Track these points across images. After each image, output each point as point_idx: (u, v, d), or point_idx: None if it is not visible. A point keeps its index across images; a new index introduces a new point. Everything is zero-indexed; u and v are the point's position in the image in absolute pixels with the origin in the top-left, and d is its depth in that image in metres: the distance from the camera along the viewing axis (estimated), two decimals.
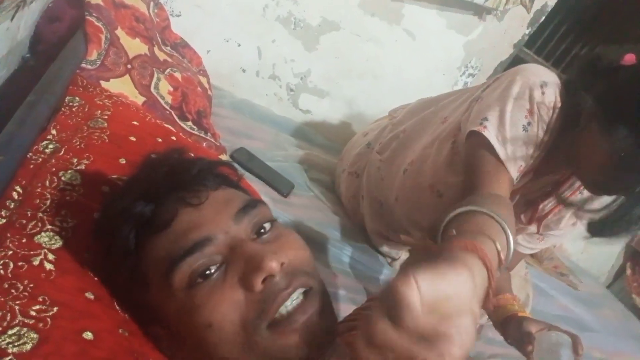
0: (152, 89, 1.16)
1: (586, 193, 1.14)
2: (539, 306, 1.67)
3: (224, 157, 1.26)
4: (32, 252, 0.54)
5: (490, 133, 0.99)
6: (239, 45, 1.68)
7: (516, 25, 1.85)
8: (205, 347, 0.51)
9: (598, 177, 0.98)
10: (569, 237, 1.21)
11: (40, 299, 0.49)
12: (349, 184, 1.48)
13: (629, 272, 2.77)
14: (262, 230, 0.56)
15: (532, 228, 1.22)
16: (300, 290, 0.52)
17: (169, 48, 1.40)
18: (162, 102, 1.17)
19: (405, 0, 1.70)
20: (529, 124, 1.00)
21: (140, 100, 1.10)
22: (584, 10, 2.44)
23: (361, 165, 1.44)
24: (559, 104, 1.00)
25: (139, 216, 0.55)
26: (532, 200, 1.18)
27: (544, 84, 1.00)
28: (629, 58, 0.99)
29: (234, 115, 1.61)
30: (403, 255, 1.46)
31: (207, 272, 0.51)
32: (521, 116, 1.00)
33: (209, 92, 1.46)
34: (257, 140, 1.56)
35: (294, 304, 0.51)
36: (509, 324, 1.08)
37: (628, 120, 0.89)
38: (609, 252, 2.89)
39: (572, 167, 1.05)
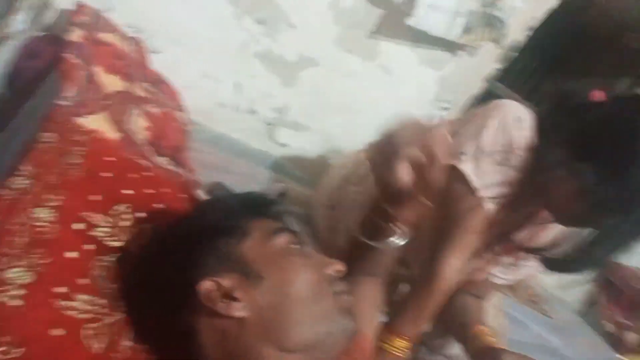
0: (128, 125, 1.17)
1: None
2: (513, 335, 1.69)
3: (200, 192, 1.26)
4: (1, 288, 0.54)
5: (467, 166, 1.03)
6: (218, 80, 1.71)
7: (487, 61, 1.92)
8: (283, 288, 0.62)
9: (567, 211, 1.02)
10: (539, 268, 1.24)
11: (7, 338, 0.49)
12: (324, 217, 1.49)
13: (601, 299, 2.81)
14: None
15: (508, 259, 1.24)
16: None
17: (147, 84, 1.41)
18: (138, 138, 1.18)
19: (380, 37, 1.75)
20: (504, 158, 1.03)
21: (116, 136, 1.10)
22: (553, 46, 2.54)
23: (337, 199, 1.45)
24: (532, 140, 1.04)
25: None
26: (507, 232, 1.21)
27: (518, 120, 1.05)
28: (598, 95, 1.04)
29: (211, 150, 1.62)
30: None
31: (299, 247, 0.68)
32: (498, 149, 1.03)
33: (186, 128, 1.47)
34: (233, 175, 1.57)
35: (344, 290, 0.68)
36: (485, 357, 1.09)
37: (596, 158, 0.94)
38: (582, 279, 2.94)
39: (544, 200, 1.08)
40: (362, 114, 1.89)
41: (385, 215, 0.85)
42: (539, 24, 1.91)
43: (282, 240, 0.67)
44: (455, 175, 1.04)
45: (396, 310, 1.14)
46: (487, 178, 1.04)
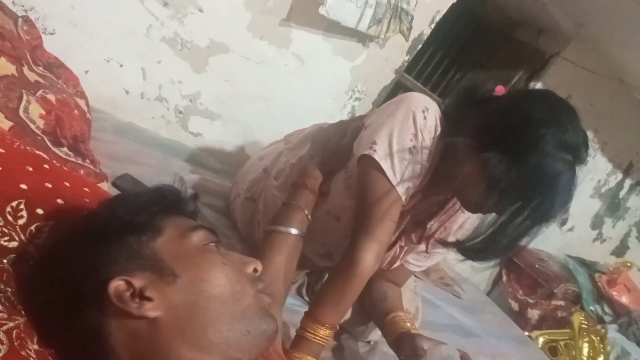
0: (21, 113, 1.06)
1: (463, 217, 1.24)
2: (427, 317, 1.75)
3: (105, 185, 1.17)
4: None
5: (379, 156, 1.05)
6: (121, 65, 1.60)
7: (396, 53, 1.98)
8: (199, 286, 0.60)
9: (474, 198, 1.06)
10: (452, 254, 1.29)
11: None
12: (244, 209, 1.45)
13: (505, 278, 3.04)
14: None
15: (421, 247, 1.29)
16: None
17: (41, 68, 1.29)
18: (32, 126, 1.07)
19: (293, 25, 1.74)
20: (414, 146, 1.06)
21: (6, 125, 1.00)
22: (456, 39, 2.69)
23: (257, 191, 1.42)
24: (439, 129, 1.08)
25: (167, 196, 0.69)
26: (420, 220, 1.25)
27: (425, 110, 1.08)
28: (499, 89, 1.11)
29: (116, 140, 1.51)
30: (301, 279, 1.46)
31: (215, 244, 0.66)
32: (407, 139, 1.06)
33: (88, 115, 1.36)
34: (143, 166, 1.47)
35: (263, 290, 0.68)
36: (402, 341, 1.12)
37: (499, 147, 0.99)
38: (490, 264, 3.14)
39: (453, 188, 1.13)
40: (276, 103, 1.86)
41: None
42: (443, 18, 2.00)
43: (197, 237, 0.64)
44: (369, 164, 1.07)
45: (317, 299, 1.14)
46: (398, 167, 1.06)
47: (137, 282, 0.58)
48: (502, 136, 1.00)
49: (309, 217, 1.11)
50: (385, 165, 1.05)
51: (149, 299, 0.57)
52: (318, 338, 1.05)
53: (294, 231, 1.06)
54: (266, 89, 1.82)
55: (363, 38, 1.87)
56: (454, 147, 1.06)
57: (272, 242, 1.05)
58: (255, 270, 0.68)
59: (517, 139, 0.98)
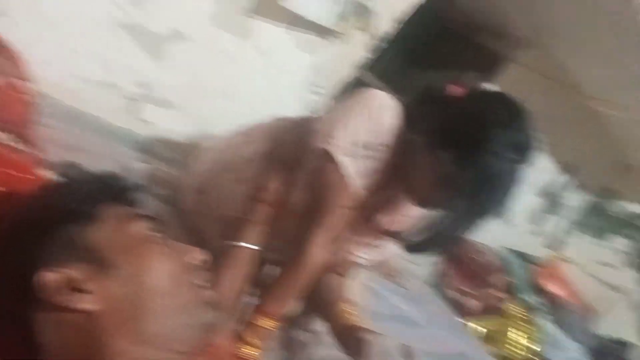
0: None
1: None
2: (373, 307, 1.81)
3: (49, 173, 1.13)
4: None
5: (335, 150, 1.06)
6: (74, 50, 1.52)
7: (359, 50, 1.97)
8: (139, 277, 0.59)
9: (426, 194, 1.10)
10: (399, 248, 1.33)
11: None
12: (194, 201, 1.43)
13: (446, 270, 3.16)
14: None
15: (371, 241, 1.32)
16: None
17: None
18: None
19: (256, 17, 1.70)
20: (370, 142, 1.08)
21: None
22: (418, 39, 2.71)
23: (209, 183, 1.40)
24: (396, 126, 1.10)
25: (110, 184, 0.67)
26: (371, 214, 1.28)
27: (384, 107, 1.10)
28: (457, 90, 1.13)
29: (65, 127, 1.45)
30: None
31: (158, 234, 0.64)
32: (365, 134, 1.08)
33: (32, 99, 1.29)
34: (91, 154, 1.42)
35: (205, 283, 0.66)
36: (345, 334, 1.15)
37: (454, 146, 1.02)
38: (434, 257, 3.25)
39: (405, 183, 1.16)
40: (235, 95, 1.83)
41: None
42: (407, 17, 2.00)
43: (138, 226, 0.63)
44: (325, 158, 1.08)
45: (265, 290, 1.15)
46: (355, 162, 1.08)
47: (73, 274, 0.56)
48: (457, 136, 1.03)
49: (265, 230, 1.11)
50: (341, 159, 1.06)
51: (87, 292, 0.56)
52: (262, 328, 1.07)
53: (248, 245, 1.06)
54: (225, 80, 1.77)
55: (327, 33, 1.85)
56: (410, 143, 1.08)
57: (226, 256, 1.04)
58: (199, 260, 0.66)
59: (470, 138, 1.01)
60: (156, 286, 0.59)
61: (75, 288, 0.56)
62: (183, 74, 1.70)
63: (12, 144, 1.07)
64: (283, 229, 1.23)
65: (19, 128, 1.11)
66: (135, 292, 0.58)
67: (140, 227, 0.63)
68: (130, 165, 1.53)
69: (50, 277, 0.55)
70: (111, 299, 0.56)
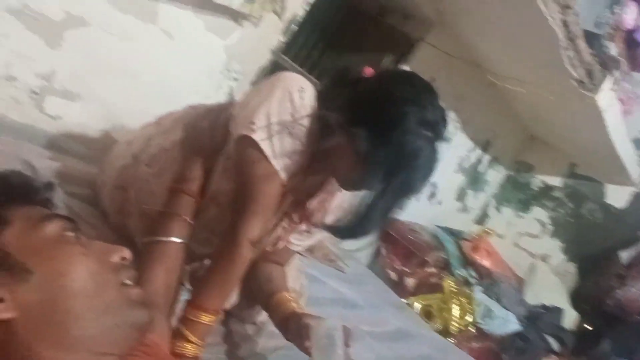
0: None
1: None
2: (313, 293, 1.79)
3: None
4: None
5: (258, 135, 1.05)
6: None
7: (271, 32, 1.97)
8: (57, 281, 0.55)
9: (346, 176, 1.10)
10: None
11: None
12: (113, 198, 1.34)
13: (383, 251, 3.22)
14: None
15: (303, 226, 1.30)
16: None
17: None
18: None
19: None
20: (292, 125, 1.07)
21: None
22: (330, 22, 2.75)
23: (127, 179, 1.32)
24: (315, 109, 1.10)
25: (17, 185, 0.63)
26: (301, 200, 1.27)
27: (301, 89, 1.10)
28: (368, 71, 1.15)
29: None
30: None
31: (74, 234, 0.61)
32: (285, 118, 1.07)
33: None
34: None
35: (132, 281, 0.64)
36: (288, 322, 1.13)
37: (366, 124, 1.03)
38: (370, 241, 3.30)
39: (328, 167, 1.15)
40: (144, 82, 1.75)
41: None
42: (316, 0, 2.02)
43: (52, 227, 0.60)
44: (247, 144, 1.06)
45: (199, 285, 1.10)
46: (277, 146, 1.07)
47: None
48: (367, 114, 1.04)
49: (190, 222, 1.06)
50: (264, 144, 1.05)
51: (0, 300, 0.52)
52: (201, 325, 1.03)
53: (174, 239, 1.00)
54: (132, 66, 1.69)
55: (236, 16, 1.82)
56: (326, 124, 1.08)
57: (152, 253, 0.99)
58: (122, 258, 0.64)
59: (381, 117, 1.03)
60: (75, 288, 0.56)
61: None
62: (84, 61, 1.59)
63: None
64: (210, 220, 1.19)
65: None
66: (53, 296, 0.55)
67: (54, 228, 0.60)
68: (40, 163, 1.41)
69: None
70: (27, 305, 0.53)
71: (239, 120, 1.11)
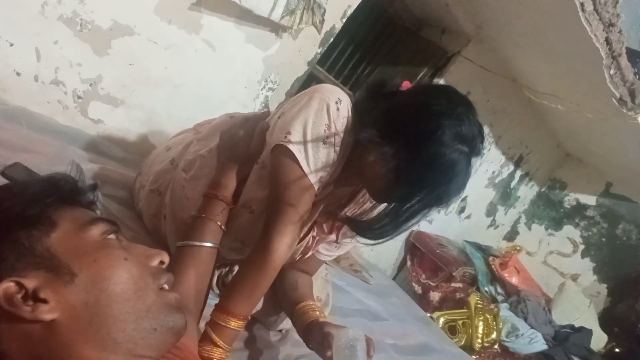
0: None
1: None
2: (338, 303, 1.80)
3: None
4: None
5: (293, 146, 1.05)
6: (11, 45, 1.45)
7: (309, 44, 1.99)
8: (99, 284, 0.57)
9: (379, 187, 1.11)
10: (359, 243, 1.34)
11: None
12: (150, 201, 1.38)
13: (409, 263, 3.20)
14: None
15: (332, 237, 1.31)
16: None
17: None
18: None
19: (203, 10, 1.68)
20: (327, 137, 1.08)
21: None
22: (367, 35, 2.76)
23: (164, 183, 1.35)
24: (351, 121, 1.11)
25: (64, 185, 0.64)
26: (332, 211, 1.28)
27: (338, 101, 1.10)
28: (405, 84, 1.15)
29: (6, 126, 1.38)
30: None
31: (117, 239, 0.63)
32: (321, 130, 1.07)
33: None
34: (36, 154, 1.35)
35: (168, 285, 0.65)
36: (311, 330, 1.14)
37: (402, 137, 1.03)
38: (393, 247, 3.29)
39: (361, 178, 1.16)
40: (185, 90, 1.79)
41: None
42: (354, 12, 2.04)
43: (96, 231, 0.61)
44: (283, 153, 1.07)
45: (228, 290, 1.12)
46: (312, 157, 1.08)
47: (30, 283, 0.53)
48: (403, 127, 1.04)
49: (223, 227, 1.08)
50: (299, 155, 1.06)
51: (44, 301, 0.53)
52: (229, 330, 1.04)
53: (207, 244, 1.02)
54: (174, 75, 1.74)
55: (276, 28, 1.85)
56: (361, 137, 1.09)
57: (185, 257, 1.01)
58: (161, 262, 0.65)
59: (416, 130, 1.03)
60: (117, 292, 0.57)
61: (32, 297, 0.53)
62: (129, 69, 1.65)
63: None
64: (242, 227, 1.21)
65: None
66: (95, 298, 0.56)
67: (98, 232, 0.61)
68: (82, 166, 1.46)
69: (5, 287, 0.52)
70: (70, 307, 0.54)
71: (275, 130, 1.13)
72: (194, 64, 1.75)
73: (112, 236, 0.62)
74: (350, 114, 1.12)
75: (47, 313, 0.53)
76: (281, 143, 1.06)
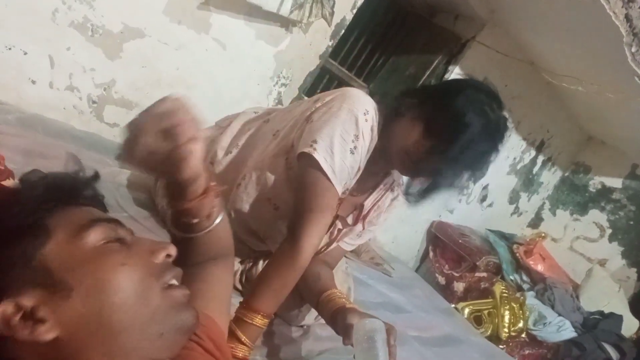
0: None
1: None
2: (360, 296, 1.79)
3: (10, 182, 1.08)
4: None
5: (319, 155, 1.08)
6: (25, 53, 1.47)
7: (320, 38, 1.97)
8: (98, 296, 0.54)
9: (411, 153, 1.13)
10: (380, 229, 1.36)
11: None
12: None
13: (431, 254, 3.17)
14: None
15: (358, 227, 1.32)
16: (179, 277, 0.63)
17: None
18: None
19: (212, 9, 1.68)
20: (355, 147, 1.11)
21: None
22: (378, 25, 2.73)
23: None
24: (377, 124, 1.14)
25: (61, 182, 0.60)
26: (357, 202, 1.28)
27: (366, 112, 1.13)
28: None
29: (23, 133, 1.40)
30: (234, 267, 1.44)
31: (117, 240, 0.58)
32: (349, 140, 1.10)
33: None
34: (54, 160, 1.37)
35: (176, 281, 0.62)
36: (337, 317, 1.14)
37: (427, 99, 1.13)
38: (414, 239, 3.27)
39: (390, 162, 1.19)
40: (198, 89, 1.80)
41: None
42: (364, 2, 2.01)
43: (93, 237, 0.56)
44: (310, 162, 1.09)
45: (255, 287, 1.13)
46: (339, 166, 1.10)
47: (28, 302, 0.51)
48: (430, 92, 1.14)
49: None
50: (324, 164, 1.08)
51: (41, 320, 0.51)
52: (254, 327, 1.05)
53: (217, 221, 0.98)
54: (186, 75, 1.75)
55: (286, 23, 1.85)
56: (390, 136, 1.14)
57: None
58: (168, 256, 0.61)
59: (443, 91, 1.12)
60: (117, 302, 0.54)
61: (31, 317, 0.51)
62: (141, 71, 1.66)
63: None
64: (265, 220, 1.22)
65: None
66: (95, 310, 0.53)
67: (95, 237, 0.56)
68: (100, 169, 1.47)
69: (2, 309, 0.50)
70: (70, 323, 0.52)
71: (304, 136, 1.14)
72: (205, 64, 1.76)
73: (111, 240, 0.58)
74: (375, 122, 1.15)
75: (46, 333, 0.51)
76: (307, 152, 1.08)
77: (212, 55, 1.75)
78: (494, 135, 1.10)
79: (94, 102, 1.64)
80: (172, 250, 0.62)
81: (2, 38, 1.43)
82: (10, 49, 1.45)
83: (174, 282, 0.61)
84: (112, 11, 1.52)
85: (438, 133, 1.08)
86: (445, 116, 1.07)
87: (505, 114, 1.14)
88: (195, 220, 0.75)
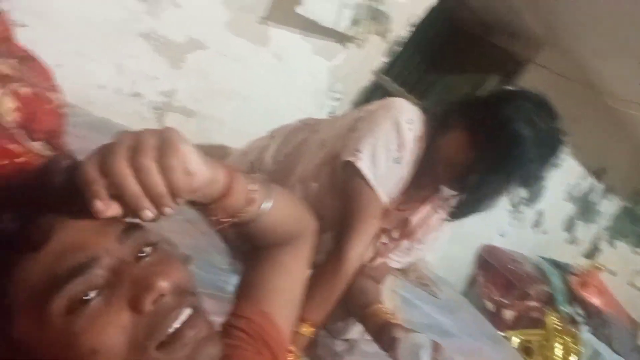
0: None
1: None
2: (406, 315, 1.76)
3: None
4: None
5: (363, 164, 1.08)
6: (94, 60, 1.57)
7: (374, 54, 1.99)
8: None
9: (455, 178, 1.10)
10: (430, 249, 1.33)
11: None
12: None
13: (481, 279, 3.07)
14: (143, 254, 0.49)
15: (405, 243, 1.30)
16: (188, 309, 0.49)
17: (11, 61, 1.25)
18: (5, 120, 1.04)
19: (271, 24, 1.73)
20: (399, 157, 1.10)
21: None
22: (432, 42, 2.72)
23: None
24: (424, 135, 1.12)
25: (2, 234, 0.45)
26: (404, 217, 1.27)
27: (410, 121, 1.12)
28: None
29: (90, 136, 1.48)
30: None
31: (88, 296, 0.44)
32: (392, 149, 1.09)
33: (62, 110, 1.33)
34: None
35: (182, 320, 0.48)
36: (382, 332, 1.12)
37: (490, 143, 1.04)
38: (463, 261, 3.18)
39: (437, 175, 1.16)
40: (254, 101, 1.85)
41: None
42: (420, 20, 2.02)
43: (58, 305, 0.44)
44: (353, 171, 1.09)
45: (304, 297, 1.14)
46: (381, 174, 1.09)
47: None
48: (492, 134, 1.05)
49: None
50: (368, 173, 1.07)
51: None
52: (299, 335, 1.05)
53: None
54: (244, 86, 1.80)
55: (342, 38, 1.88)
56: (435, 147, 1.10)
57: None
58: (160, 295, 0.46)
59: (499, 106, 1.05)
60: None
61: None
62: (201, 81, 1.73)
63: (47, 152, 1.09)
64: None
65: (50, 137, 1.13)
66: None
67: (61, 305, 0.44)
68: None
69: None
70: None
71: (348, 144, 1.15)
72: (262, 76, 1.81)
73: (78, 297, 0.44)
74: (421, 129, 1.12)
75: None
76: (351, 160, 1.08)
77: (268, 68, 1.81)
78: (543, 145, 1.04)
79: (156, 108, 1.71)
80: (163, 284, 0.46)
81: (73, 45, 1.53)
82: (81, 55, 1.54)
83: (177, 324, 0.47)
84: (176, 23, 1.60)
85: (483, 143, 1.04)
86: (491, 125, 1.04)
87: (559, 125, 1.09)
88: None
